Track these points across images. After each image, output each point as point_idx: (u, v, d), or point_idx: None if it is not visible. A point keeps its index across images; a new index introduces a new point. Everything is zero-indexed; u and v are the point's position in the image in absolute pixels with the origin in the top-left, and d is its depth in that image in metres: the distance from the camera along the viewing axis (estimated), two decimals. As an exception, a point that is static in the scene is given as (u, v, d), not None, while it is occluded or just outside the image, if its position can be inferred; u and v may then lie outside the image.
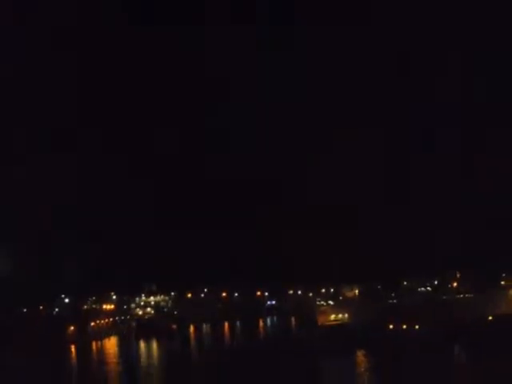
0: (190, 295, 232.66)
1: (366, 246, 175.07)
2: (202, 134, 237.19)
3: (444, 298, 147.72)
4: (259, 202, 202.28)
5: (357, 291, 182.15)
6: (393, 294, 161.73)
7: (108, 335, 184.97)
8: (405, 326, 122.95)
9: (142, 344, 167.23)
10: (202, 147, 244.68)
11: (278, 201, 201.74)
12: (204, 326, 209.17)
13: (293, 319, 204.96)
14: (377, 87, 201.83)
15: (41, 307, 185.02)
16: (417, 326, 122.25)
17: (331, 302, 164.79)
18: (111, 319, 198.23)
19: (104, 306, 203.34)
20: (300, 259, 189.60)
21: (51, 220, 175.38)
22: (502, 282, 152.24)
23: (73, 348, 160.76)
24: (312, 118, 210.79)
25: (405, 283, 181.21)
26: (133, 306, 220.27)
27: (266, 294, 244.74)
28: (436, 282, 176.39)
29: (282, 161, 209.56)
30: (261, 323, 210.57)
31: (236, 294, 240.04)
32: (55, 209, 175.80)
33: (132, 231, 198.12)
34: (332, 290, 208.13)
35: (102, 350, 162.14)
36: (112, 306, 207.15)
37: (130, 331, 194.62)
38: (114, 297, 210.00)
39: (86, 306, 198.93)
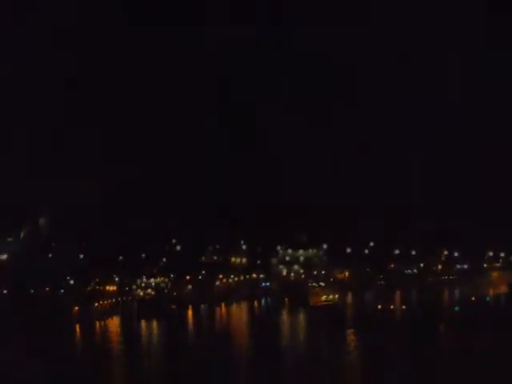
0: (188, 277, 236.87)
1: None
2: (202, 134, 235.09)
3: (429, 279, 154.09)
4: (259, 201, 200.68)
5: (347, 273, 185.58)
6: (381, 276, 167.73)
7: (111, 315, 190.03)
8: (392, 306, 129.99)
9: (144, 323, 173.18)
10: (202, 147, 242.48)
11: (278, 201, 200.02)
12: (202, 306, 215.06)
13: (286, 300, 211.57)
14: (377, 87, 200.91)
15: (47, 289, 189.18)
16: (404, 306, 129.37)
17: (323, 284, 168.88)
18: (114, 300, 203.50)
19: (107, 288, 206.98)
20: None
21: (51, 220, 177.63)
22: (485, 265, 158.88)
23: (77, 327, 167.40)
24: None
25: (392, 266, 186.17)
26: (134, 287, 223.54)
27: (261, 276, 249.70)
28: (422, 265, 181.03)
29: (281, 161, 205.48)
30: (256, 304, 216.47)
31: (232, 276, 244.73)
32: (55, 208, 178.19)
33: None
34: (323, 272, 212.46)
35: (105, 329, 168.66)
36: (114, 288, 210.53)
37: (132, 311, 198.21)
38: (117, 279, 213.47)
39: (89, 288, 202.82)
